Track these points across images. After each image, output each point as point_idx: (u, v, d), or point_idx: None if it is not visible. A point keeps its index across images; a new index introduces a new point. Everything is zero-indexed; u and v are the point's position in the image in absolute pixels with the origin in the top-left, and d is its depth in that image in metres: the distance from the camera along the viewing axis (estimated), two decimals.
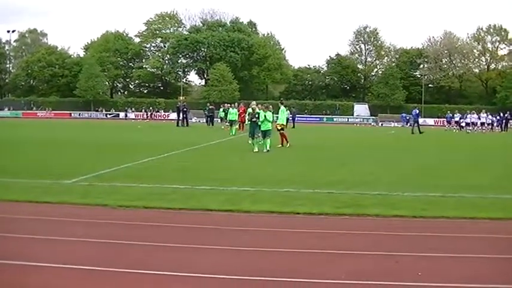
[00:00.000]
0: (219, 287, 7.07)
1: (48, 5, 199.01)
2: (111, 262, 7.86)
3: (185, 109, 63.73)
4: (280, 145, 29.86)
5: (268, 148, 26.84)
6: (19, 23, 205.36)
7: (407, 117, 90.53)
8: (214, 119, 62.88)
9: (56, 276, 7.27)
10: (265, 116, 27.55)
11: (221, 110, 58.34)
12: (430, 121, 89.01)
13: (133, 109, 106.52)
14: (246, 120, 31.59)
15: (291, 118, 66.36)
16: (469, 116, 63.14)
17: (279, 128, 30.69)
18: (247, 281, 7.19)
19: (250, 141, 28.37)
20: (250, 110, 30.09)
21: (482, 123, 62.54)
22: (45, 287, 6.93)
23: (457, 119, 63.42)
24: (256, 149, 26.60)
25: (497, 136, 53.76)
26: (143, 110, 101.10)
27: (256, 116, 27.98)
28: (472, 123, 62.16)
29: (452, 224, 10.84)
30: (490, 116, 66.48)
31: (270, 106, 30.23)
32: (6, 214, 11.15)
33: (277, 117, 32.34)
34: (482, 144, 38.91)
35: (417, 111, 57.89)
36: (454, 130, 60.78)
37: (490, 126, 65.25)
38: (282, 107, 33.37)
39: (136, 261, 7.96)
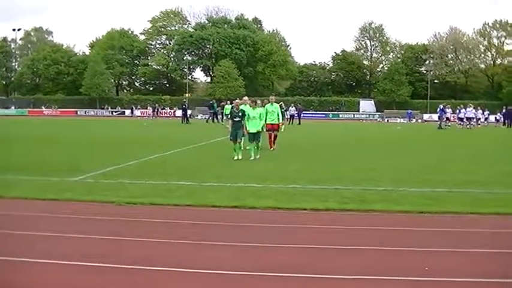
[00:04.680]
0: (224, 283, 7.06)
1: (51, 3, 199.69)
2: (116, 258, 7.86)
3: (184, 106, 65.36)
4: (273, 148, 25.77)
5: (256, 156, 22.06)
6: (23, 21, 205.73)
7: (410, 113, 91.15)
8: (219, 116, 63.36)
9: (60, 273, 7.27)
10: (250, 113, 22.59)
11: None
12: (435, 117, 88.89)
13: (139, 106, 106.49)
14: (224, 119, 26.94)
15: (296, 114, 66.64)
16: (462, 110, 60.97)
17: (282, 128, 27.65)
18: (252, 276, 7.18)
19: (234, 146, 22.03)
20: (228, 106, 25.17)
21: (468, 118, 60.24)
22: (49, 283, 6.93)
23: (448, 114, 60.74)
24: (237, 157, 21.49)
25: (495, 132, 53.68)
26: (148, 107, 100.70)
27: (240, 114, 22.07)
28: (465, 118, 60.08)
29: (458, 219, 10.83)
30: (480, 111, 65.22)
31: (259, 102, 24.84)
32: (12, 211, 11.18)
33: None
34: (483, 140, 38.88)
35: (441, 107, 57.96)
36: (447, 126, 58.17)
37: (477, 122, 63.74)
38: (275, 104, 27.06)
39: (141, 257, 7.95)
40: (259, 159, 21.33)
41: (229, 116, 23.69)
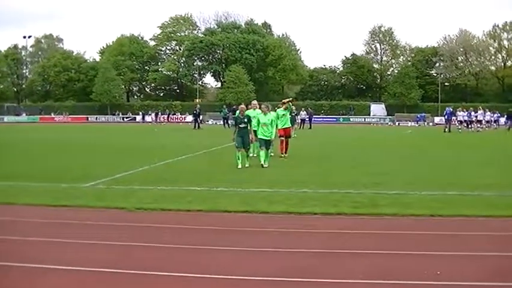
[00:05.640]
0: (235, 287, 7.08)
1: (62, 10, 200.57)
2: (127, 264, 7.87)
3: (195, 112, 65.37)
4: (284, 154, 24.28)
5: (266, 164, 20.73)
6: (33, 28, 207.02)
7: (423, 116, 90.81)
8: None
9: (70, 279, 7.29)
10: (261, 120, 21.39)
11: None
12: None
13: (150, 112, 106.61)
14: (230, 125, 23.85)
15: (307, 119, 66.58)
16: (473, 113, 59.86)
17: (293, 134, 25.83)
18: (264, 281, 7.18)
19: (238, 154, 20.61)
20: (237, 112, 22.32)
21: (479, 121, 59.71)
22: None
23: (460, 117, 59.40)
24: (241, 165, 20.19)
25: (505, 134, 53.52)
26: (153, 114, 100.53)
27: (246, 120, 20.86)
28: (473, 121, 59.33)
29: (470, 222, 10.79)
30: (488, 113, 64.84)
31: (270, 106, 22.46)
32: (23, 218, 11.21)
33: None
34: (494, 143, 38.75)
35: (450, 110, 57.49)
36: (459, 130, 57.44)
37: (488, 124, 63.34)
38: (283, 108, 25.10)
39: (152, 263, 7.97)
40: (270, 164, 21.04)
41: (233, 122, 21.83)
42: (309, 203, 12.51)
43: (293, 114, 39.23)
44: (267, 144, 21.13)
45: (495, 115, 68.87)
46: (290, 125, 25.94)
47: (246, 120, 20.86)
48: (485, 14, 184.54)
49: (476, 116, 58.37)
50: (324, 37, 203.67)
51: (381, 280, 7.18)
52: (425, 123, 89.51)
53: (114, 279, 7.34)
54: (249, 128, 20.85)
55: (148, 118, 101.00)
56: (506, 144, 36.88)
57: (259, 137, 21.18)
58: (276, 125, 22.72)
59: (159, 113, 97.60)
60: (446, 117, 57.55)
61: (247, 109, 23.25)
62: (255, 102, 24.46)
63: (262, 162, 20.70)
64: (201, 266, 7.82)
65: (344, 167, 21.19)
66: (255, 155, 22.80)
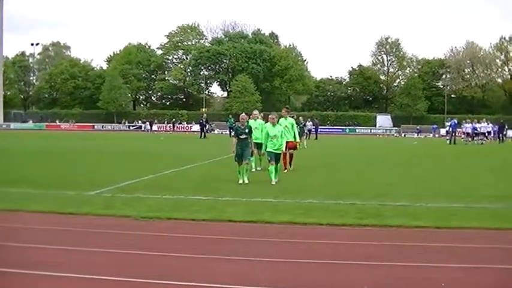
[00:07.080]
0: None
1: (70, 18, 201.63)
2: (132, 273, 7.85)
3: (201, 121, 65.68)
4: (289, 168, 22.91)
5: (276, 179, 18.76)
6: (41, 35, 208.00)
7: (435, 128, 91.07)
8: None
9: (75, 286, 7.30)
10: (270, 132, 19.26)
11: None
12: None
13: (156, 121, 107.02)
14: (232, 136, 21.03)
15: (313, 129, 66.56)
16: (477, 125, 58.33)
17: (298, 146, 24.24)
18: None
19: (238, 168, 18.93)
20: (250, 121, 20.89)
21: (482, 133, 59.00)
22: None
23: (469, 130, 58.73)
24: (242, 180, 18.55)
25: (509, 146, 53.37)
26: (147, 123, 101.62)
27: (247, 130, 19.15)
28: (478, 133, 58.53)
29: (476, 234, 10.75)
30: (490, 125, 63.18)
31: (277, 117, 20.28)
32: (29, 225, 11.22)
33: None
34: (500, 155, 38.68)
35: (455, 122, 57.18)
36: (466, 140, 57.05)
37: (491, 136, 62.12)
38: (290, 119, 23.16)
39: (157, 272, 7.96)
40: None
41: (233, 133, 20.22)
42: (315, 214, 12.49)
43: (301, 125, 39.08)
44: (277, 157, 19.20)
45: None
46: (294, 139, 23.54)
47: (247, 131, 19.15)
48: (492, 27, 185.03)
49: (480, 128, 57.86)
50: (330, 48, 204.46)
51: None
52: (432, 134, 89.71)
53: (116, 287, 7.35)
54: (249, 139, 19.30)
55: (154, 127, 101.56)
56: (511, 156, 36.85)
57: (268, 150, 19.15)
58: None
59: (154, 123, 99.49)
60: (450, 129, 57.35)
61: (249, 118, 21.36)
62: (256, 112, 23.44)
63: (272, 178, 18.71)
64: (205, 275, 7.82)
65: (349, 177, 21.18)
66: (256, 169, 22.47)
